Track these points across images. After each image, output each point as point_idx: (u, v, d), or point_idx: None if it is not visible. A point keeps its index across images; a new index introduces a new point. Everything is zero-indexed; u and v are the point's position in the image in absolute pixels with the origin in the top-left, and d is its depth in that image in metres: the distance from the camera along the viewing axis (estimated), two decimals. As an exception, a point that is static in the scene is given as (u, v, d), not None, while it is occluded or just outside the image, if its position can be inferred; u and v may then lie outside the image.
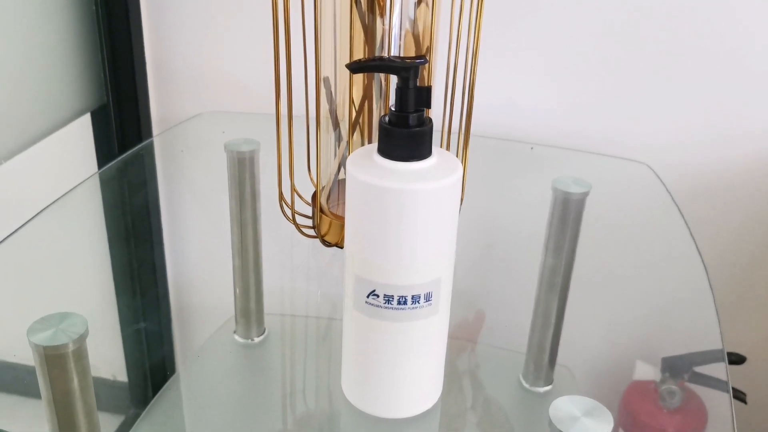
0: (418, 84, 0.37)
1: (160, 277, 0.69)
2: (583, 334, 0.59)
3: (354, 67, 0.37)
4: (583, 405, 0.36)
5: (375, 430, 0.44)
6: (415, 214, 0.37)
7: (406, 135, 0.37)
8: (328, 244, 0.61)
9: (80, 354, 0.40)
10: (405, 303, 0.39)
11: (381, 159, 0.38)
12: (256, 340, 0.55)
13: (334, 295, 0.61)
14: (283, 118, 0.57)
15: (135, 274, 0.69)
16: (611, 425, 0.35)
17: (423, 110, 0.37)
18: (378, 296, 0.39)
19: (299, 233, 0.61)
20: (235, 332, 0.56)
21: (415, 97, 0.37)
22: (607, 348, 0.59)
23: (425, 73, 0.53)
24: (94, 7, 0.84)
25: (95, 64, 0.86)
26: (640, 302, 0.63)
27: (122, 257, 0.70)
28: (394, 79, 0.55)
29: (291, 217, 0.61)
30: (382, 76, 0.55)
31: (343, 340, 0.44)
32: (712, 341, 0.56)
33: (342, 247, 0.59)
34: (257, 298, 0.59)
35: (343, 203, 0.62)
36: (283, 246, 0.66)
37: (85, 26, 0.84)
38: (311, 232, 0.62)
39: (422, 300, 0.39)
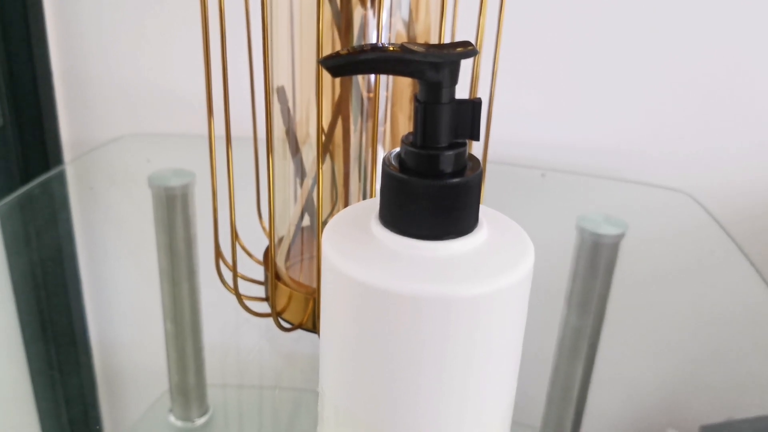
0: (453, 96, 0.20)
1: (80, 338, 0.60)
2: (607, 400, 0.52)
3: (332, 65, 0.20)
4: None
5: None
6: (460, 340, 0.20)
7: (437, 192, 0.20)
8: (287, 326, 0.44)
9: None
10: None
11: (388, 234, 0.21)
12: (198, 422, 0.48)
13: (298, 358, 0.53)
14: (220, 141, 0.43)
15: (49, 336, 0.60)
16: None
17: (465, 145, 0.20)
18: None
19: (245, 310, 0.45)
20: (171, 411, 0.49)
21: (452, 119, 0.20)
22: (635, 416, 0.52)
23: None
24: (-20, 4, 0.73)
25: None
26: (679, 358, 0.56)
27: (32, 315, 0.61)
28: (385, 84, 0.41)
29: (232, 286, 0.45)
30: (363, 85, 0.38)
31: None
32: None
33: (309, 330, 0.44)
34: (197, 371, 0.51)
35: (309, 262, 0.46)
36: (229, 300, 0.54)
37: (-31, 29, 0.74)
38: (263, 306, 0.46)
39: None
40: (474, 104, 0.20)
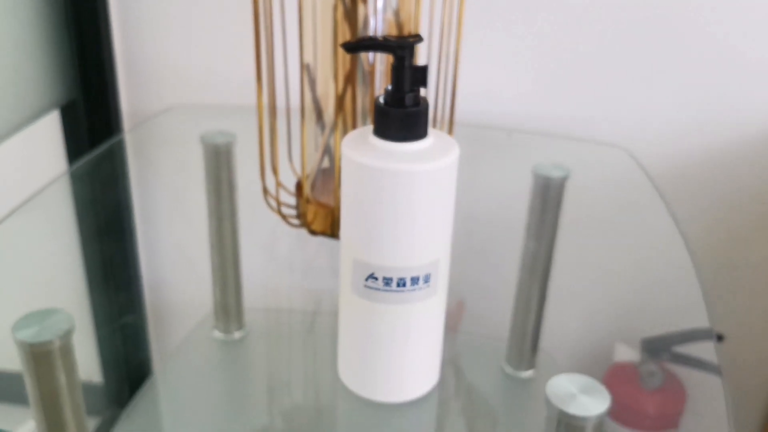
0: (412, 63, 0.37)
1: (134, 275, 0.68)
2: (564, 318, 0.58)
3: (349, 47, 0.37)
4: (580, 383, 0.36)
5: (375, 416, 0.44)
6: (413, 196, 0.37)
7: (402, 115, 0.37)
8: (314, 233, 0.60)
9: (66, 351, 0.39)
10: (404, 285, 0.38)
11: (377, 140, 0.38)
12: (237, 335, 0.54)
13: (320, 290, 0.61)
14: (263, 107, 0.56)
15: (109, 273, 0.68)
16: (608, 402, 0.35)
17: (419, 90, 0.37)
18: (377, 279, 0.38)
19: (285, 223, 0.60)
20: (214, 328, 0.55)
21: (411, 76, 0.36)
22: (587, 331, 0.59)
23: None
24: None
25: (63, 58, 0.84)
26: (620, 285, 0.63)
27: (95, 257, 0.68)
28: (379, 63, 0.57)
29: (276, 208, 0.60)
30: (365, 62, 0.54)
31: (339, 327, 0.43)
32: (692, 320, 0.56)
33: (328, 235, 0.59)
34: (236, 293, 0.58)
35: (327, 191, 0.62)
36: (263, 239, 0.64)
37: (52, 19, 0.82)
38: (296, 222, 0.61)
39: (421, 282, 0.39)
40: (423, 68, 0.37)
